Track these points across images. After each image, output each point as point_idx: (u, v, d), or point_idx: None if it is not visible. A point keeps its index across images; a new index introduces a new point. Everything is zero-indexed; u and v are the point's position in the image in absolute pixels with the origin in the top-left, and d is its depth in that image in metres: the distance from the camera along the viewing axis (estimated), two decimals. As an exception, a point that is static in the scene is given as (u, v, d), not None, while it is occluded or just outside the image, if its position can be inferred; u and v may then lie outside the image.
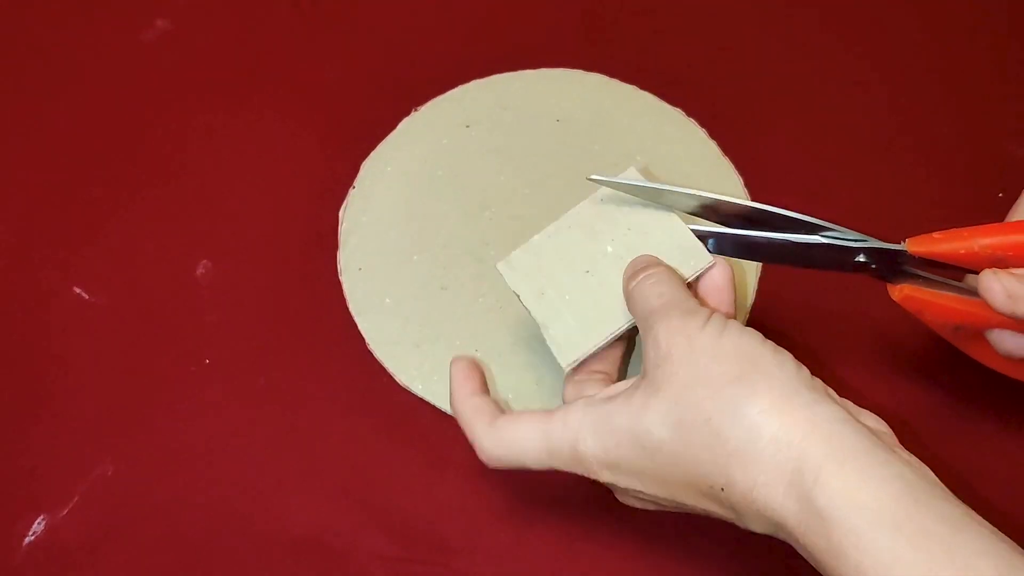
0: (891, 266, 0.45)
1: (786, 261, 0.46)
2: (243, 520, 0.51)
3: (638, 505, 0.43)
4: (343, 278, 0.57)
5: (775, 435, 0.35)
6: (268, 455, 0.53)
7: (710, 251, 0.46)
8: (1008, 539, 0.33)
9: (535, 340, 0.55)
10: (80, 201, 0.61)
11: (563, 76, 0.65)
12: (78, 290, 0.57)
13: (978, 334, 0.46)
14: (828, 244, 0.44)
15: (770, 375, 0.37)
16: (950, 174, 0.61)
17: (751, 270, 0.57)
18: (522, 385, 0.54)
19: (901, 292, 0.45)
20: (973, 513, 0.34)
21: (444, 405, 0.53)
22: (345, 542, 0.50)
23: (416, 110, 0.63)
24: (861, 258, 0.45)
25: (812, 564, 0.35)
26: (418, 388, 0.54)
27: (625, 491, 0.41)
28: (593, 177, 0.47)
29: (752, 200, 0.45)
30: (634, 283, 0.43)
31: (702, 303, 0.43)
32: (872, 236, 0.44)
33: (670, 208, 0.47)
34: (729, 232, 0.46)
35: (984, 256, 0.42)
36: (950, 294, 0.45)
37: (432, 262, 0.58)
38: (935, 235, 0.43)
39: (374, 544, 0.50)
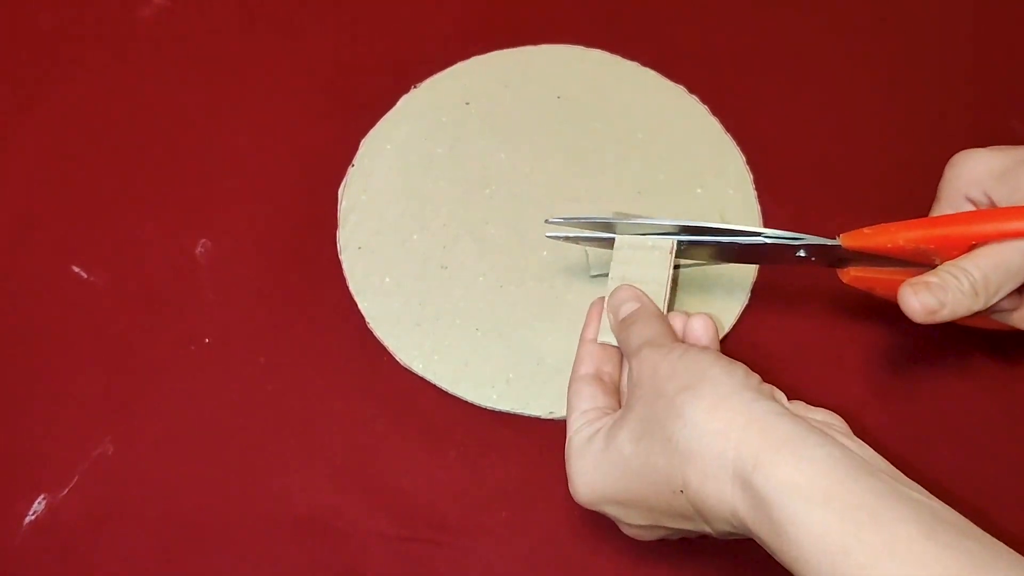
0: (831, 259, 0.48)
1: (740, 259, 0.50)
2: (244, 500, 0.51)
3: (636, 535, 0.44)
4: (343, 257, 0.57)
5: (717, 431, 0.38)
6: (268, 434, 0.52)
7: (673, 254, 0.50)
8: (940, 505, 0.35)
9: (536, 320, 0.55)
10: (78, 180, 0.60)
11: (564, 53, 0.64)
12: (76, 269, 0.57)
13: None
14: (770, 244, 0.48)
15: (716, 381, 0.40)
16: (954, 149, 0.61)
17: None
18: (523, 365, 0.54)
19: (848, 275, 0.49)
20: (908, 486, 0.36)
21: (445, 384, 0.53)
22: (346, 521, 0.50)
23: (416, 87, 0.63)
24: (801, 253, 0.48)
25: (770, 553, 0.37)
26: (418, 367, 0.54)
27: (619, 522, 0.44)
28: (550, 223, 0.51)
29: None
30: (622, 328, 0.46)
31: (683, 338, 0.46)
32: (811, 234, 0.48)
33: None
34: (686, 239, 0.50)
35: (909, 249, 0.45)
36: (893, 268, 0.47)
37: (432, 241, 0.57)
38: (865, 230, 0.46)
39: (375, 523, 0.50)
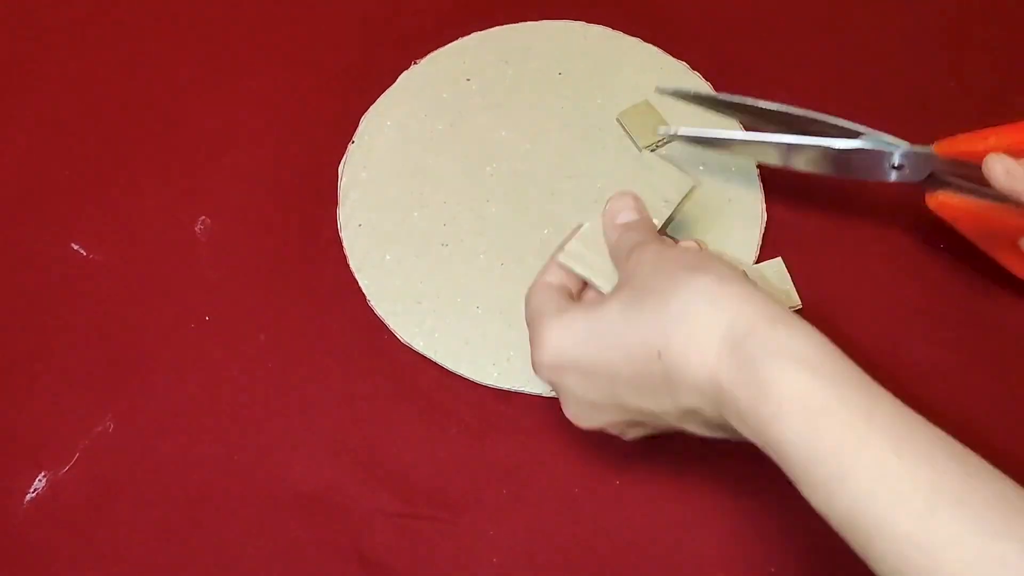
0: (923, 169, 0.47)
1: (825, 169, 0.49)
2: (245, 477, 0.51)
3: (577, 417, 0.45)
4: (343, 234, 0.57)
5: (714, 300, 0.39)
6: (269, 412, 0.52)
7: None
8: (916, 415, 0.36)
9: (537, 297, 0.55)
10: (77, 157, 0.60)
11: (566, 28, 0.64)
12: (76, 247, 0.57)
13: (1012, 243, 0.48)
14: (866, 149, 0.47)
15: (720, 266, 0.41)
16: (964, 124, 0.60)
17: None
18: (523, 342, 0.53)
19: (935, 199, 0.47)
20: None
21: (445, 362, 0.53)
22: (347, 498, 0.50)
23: (416, 63, 0.62)
24: (895, 161, 0.47)
25: (735, 425, 0.38)
26: (419, 345, 0.54)
27: (570, 395, 0.44)
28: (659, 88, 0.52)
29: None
30: (618, 230, 0.46)
31: None
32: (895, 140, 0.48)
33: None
34: (772, 139, 0.49)
35: (1001, 152, 0.44)
36: (981, 200, 0.47)
37: (433, 218, 0.57)
38: (960, 136, 0.46)
39: (376, 500, 0.50)
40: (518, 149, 0.59)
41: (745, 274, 0.41)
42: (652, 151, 0.59)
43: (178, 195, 0.59)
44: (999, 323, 0.53)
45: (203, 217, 0.58)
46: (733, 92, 0.61)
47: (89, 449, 0.51)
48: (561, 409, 0.45)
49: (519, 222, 0.57)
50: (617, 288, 0.43)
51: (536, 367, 0.44)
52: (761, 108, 0.49)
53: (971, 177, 0.46)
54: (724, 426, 0.39)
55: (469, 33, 0.63)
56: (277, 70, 0.63)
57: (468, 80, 0.62)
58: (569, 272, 0.47)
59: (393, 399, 0.53)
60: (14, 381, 0.53)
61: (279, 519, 0.50)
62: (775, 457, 0.37)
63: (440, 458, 0.51)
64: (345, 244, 0.56)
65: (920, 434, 0.35)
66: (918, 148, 0.47)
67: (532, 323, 0.45)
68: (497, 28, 0.63)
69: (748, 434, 0.37)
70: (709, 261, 0.41)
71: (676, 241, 0.47)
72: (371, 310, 0.55)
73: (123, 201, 0.59)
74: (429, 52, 0.62)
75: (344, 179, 0.58)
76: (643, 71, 0.62)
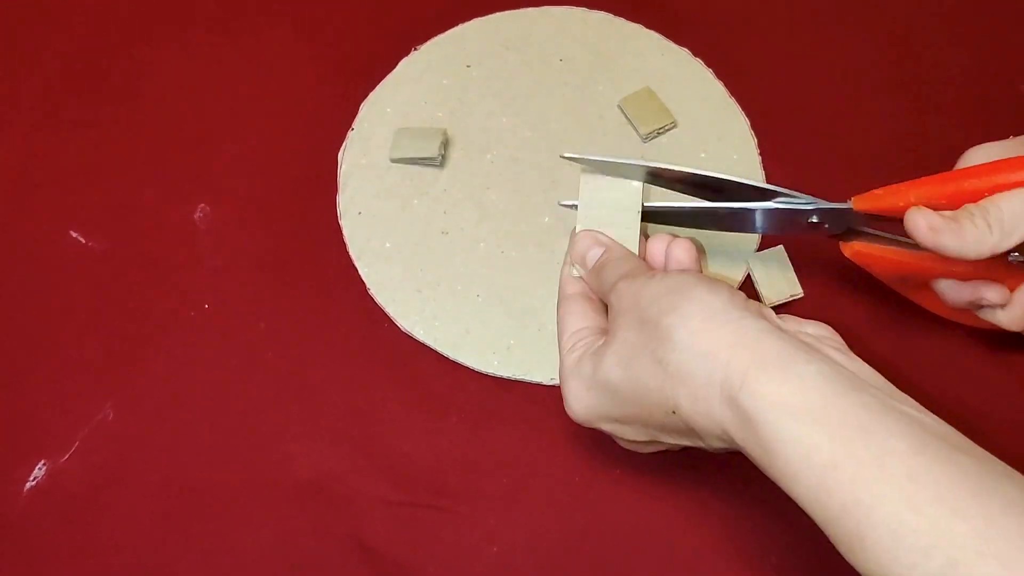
0: (841, 224, 0.47)
1: (745, 228, 0.48)
2: (244, 465, 0.51)
3: (634, 448, 0.44)
4: (343, 222, 0.56)
5: (704, 352, 0.38)
6: (269, 400, 0.52)
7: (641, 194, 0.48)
8: (933, 420, 0.35)
9: (538, 286, 0.55)
10: (75, 144, 0.60)
11: (566, 14, 0.63)
12: (75, 234, 0.57)
13: (924, 284, 0.48)
14: (782, 208, 0.47)
15: (701, 301, 0.39)
16: (960, 113, 0.60)
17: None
18: (524, 331, 0.53)
19: (851, 248, 0.47)
20: (901, 401, 0.36)
21: (445, 350, 0.53)
22: (346, 486, 0.50)
23: (416, 49, 0.62)
24: (814, 219, 0.47)
25: (760, 469, 0.37)
26: (419, 333, 0.53)
27: (615, 437, 0.44)
28: (566, 155, 0.48)
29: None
30: (593, 276, 0.45)
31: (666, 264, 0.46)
32: (821, 198, 0.47)
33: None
34: (687, 206, 0.48)
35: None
36: (897, 248, 0.47)
37: (433, 206, 0.57)
38: (876, 191, 0.45)
39: (375, 488, 0.50)
40: (519, 136, 0.59)
41: (731, 291, 0.40)
42: (653, 138, 0.59)
43: (177, 182, 0.58)
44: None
45: (202, 205, 0.58)
46: (734, 80, 0.61)
47: (89, 437, 0.51)
48: (560, 392, 0.45)
49: (520, 210, 0.57)
50: (611, 334, 0.42)
51: (570, 417, 0.44)
52: (673, 171, 0.47)
53: (888, 228, 0.46)
54: None
55: (470, 19, 0.63)
56: (277, 57, 0.63)
57: (468, 67, 0.61)
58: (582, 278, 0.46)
59: (393, 387, 0.53)
60: (14, 369, 0.53)
61: (278, 508, 0.50)
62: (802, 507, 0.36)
63: (440, 447, 0.51)
64: (345, 232, 0.56)
65: (936, 478, 0.33)
66: (836, 204, 0.46)
67: (559, 367, 0.44)
68: (498, 14, 0.63)
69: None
70: (688, 297, 0.39)
71: (674, 236, 0.45)
72: (371, 298, 0.55)
73: (122, 189, 0.58)
74: (429, 38, 0.62)
75: (344, 166, 0.58)
76: (645, 58, 0.62)
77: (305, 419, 0.52)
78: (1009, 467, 0.34)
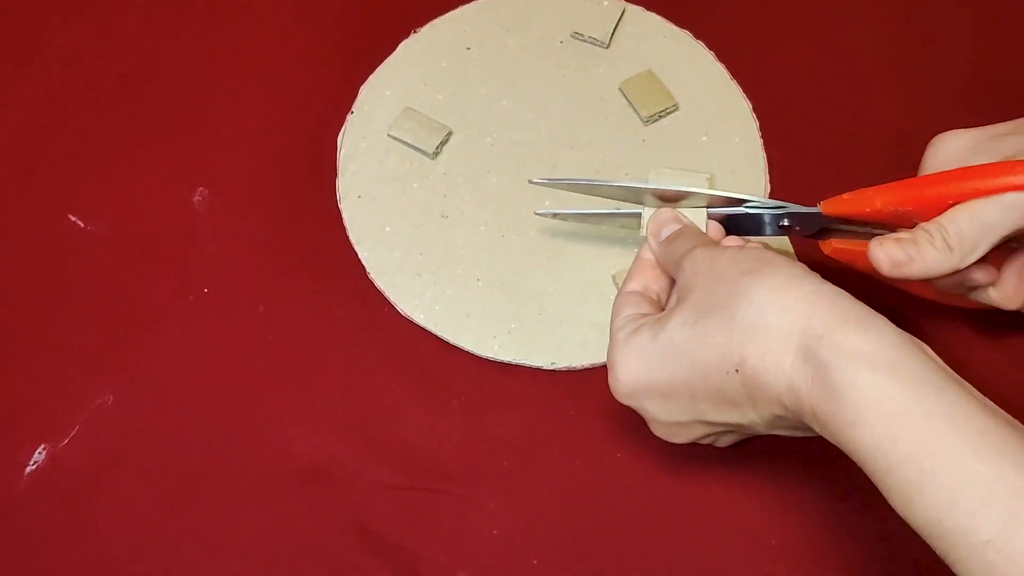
0: (814, 224, 0.48)
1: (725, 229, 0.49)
2: (244, 449, 0.51)
3: (668, 433, 0.44)
4: (342, 206, 0.56)
5: (784, 307, 0.38)
6: (269, 384, 0.52)
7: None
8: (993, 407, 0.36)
9: (538, 269, 0.54)
10: (74, 128, 0.59)
11: (567, -4, 0.63)
12: (73, 218, 0.57)
13: None
14: (752, 214, 0.48)
15: (780, 265, 0.40)
16: (968, 98, 0.60)
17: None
18: (525, 314, 0.53)
19: (830, 246, 0.48)
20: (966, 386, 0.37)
21: (446, 335, 0.53)
22: (347, 471, 0.50)
23: (415, 32, 0.61)
24: (785, 222, 0.48)
25: (816, 430, 0.38)
26: (419, 318, 0.53)
27: (653, 419, 0.44)
28: (534, 181, 0.51)
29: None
30: (665, 245, 0.46)
31: None
32: (792, 202, 0.48)
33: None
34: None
35: (889, 213, 0.44)
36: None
37: (433, 190, 0.57)
38: (844, 196, 0.46)
39: (376, 473, 0.50)
40: (519, 119, 0.59)
41: (808, 269, 0.41)
42: (654, 121, 0.58)
43: (176, 166, 0.58)
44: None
45: (201, 188, 0.57)
46: (736, 63, 0.60)
47: (89, 421, 0.51)
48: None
49: (520, 193, 0.56)
50: (678, 302, 0.43)
51: (614, 393, 0.44)
52: (639, 188, 0.49)
53: (861, 224, 0.47)
54: (810, 429, 0.39)
55: (470, 1, 0.62)
56: (276, 39, 0.62)
57: (468, 49, 0.61)
58: (654, 270, 0.47)
59: (393, 372, 0.53)
60: (13, 354, 0.53)
61: (279, 492, 0.50)
62: (858, 461, 0.36)
63: (441, 431, 0.51)
64: (344, 216, 0.56)
65: (1003, 435, 0.34)
66: (805, 209, 0.47)
67: (609, 346, 0.45)
68: (498, -4, 0.63)
69: (830, 438, 0.37)
70: (768, 263, 0.40)
71: (746, 242, 0.46)
72: (371, 282, 0.54)
73: (120, 172, 0.58)
74: (429, 21, 0.62)
75: (343, 150, 0.58)
76: (646, 40, 0.61)
77: (305, 403, 0.52)
78: None
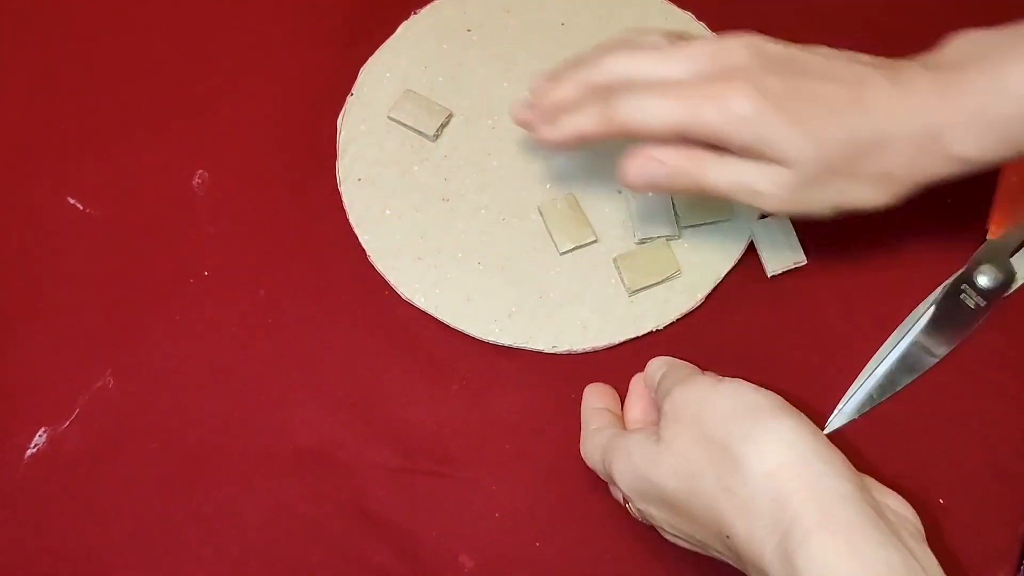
0: None
1: None
2: (245, 432, 0.51)
3: (676, 541, 0.44)
4: (342, 188, 0.56)
5: (776, 497, 0.37)
6: (269, 367, 0.52)
7: None
8: None
9: (538, 253, 0.54)
10: (73, 111, 0.59)
11: (568, -23, 0.62)
12: (73, 201, 0.56)
13: None
14: None
15: (778, 434, 0.38)
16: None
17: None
18: (525, 299, 0.53)
19: None
20: None
21: (446, 318, 0.53)
22: (348, 454, 0.50)
23: (416, 13, 0.61)
24: None
25: None
26: (420, 301, 0.53)
27: (662, 529, 0.44)
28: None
29: None
30: (661, 384, 0.45)
31: None
32: None
33: None
34: None
35: None
36: None
37: (433, 172, 0.56)
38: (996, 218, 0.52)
39: (377, 455, 0.50)
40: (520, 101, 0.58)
41: (811, 428, 0.39)
42: None
43: (175, 148, 0.58)
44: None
45: (201, 171, 0.57)
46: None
47: (89, 405, 0.51)
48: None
49: (521, 176, 0.56)
50: (665, 442, 0.41)
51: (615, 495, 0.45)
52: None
53: None
54: None
55: (470, -18, 0.62)
56: (275, 21, 0.62)
57: (469, 31, 0.60)
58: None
59: (394, 355, 0.52)
60: (13, 337, 0.53)
61: (279, 475, 0.50)
62: None
63: (441, 414, 0.51)
64: (344, 198, 0.56)
65: None
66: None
67: (594, 438, 0.46)
68: (499, -23, 0.62)
69: None
70: (763, 423, 0.39)
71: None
72: (371, 265, 0.54)
73: (120, 154, 0.58)
74: (430, 1, 0.61)
75: (343, 132, 0.58)
76: (647, 21, 0.61)
77: (305, 386, 0.52)
78: None
